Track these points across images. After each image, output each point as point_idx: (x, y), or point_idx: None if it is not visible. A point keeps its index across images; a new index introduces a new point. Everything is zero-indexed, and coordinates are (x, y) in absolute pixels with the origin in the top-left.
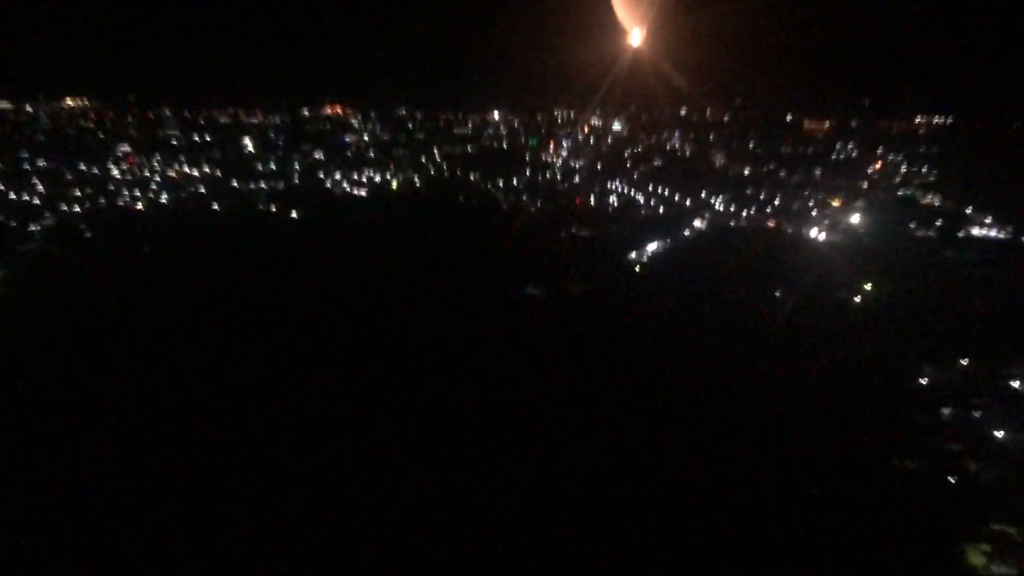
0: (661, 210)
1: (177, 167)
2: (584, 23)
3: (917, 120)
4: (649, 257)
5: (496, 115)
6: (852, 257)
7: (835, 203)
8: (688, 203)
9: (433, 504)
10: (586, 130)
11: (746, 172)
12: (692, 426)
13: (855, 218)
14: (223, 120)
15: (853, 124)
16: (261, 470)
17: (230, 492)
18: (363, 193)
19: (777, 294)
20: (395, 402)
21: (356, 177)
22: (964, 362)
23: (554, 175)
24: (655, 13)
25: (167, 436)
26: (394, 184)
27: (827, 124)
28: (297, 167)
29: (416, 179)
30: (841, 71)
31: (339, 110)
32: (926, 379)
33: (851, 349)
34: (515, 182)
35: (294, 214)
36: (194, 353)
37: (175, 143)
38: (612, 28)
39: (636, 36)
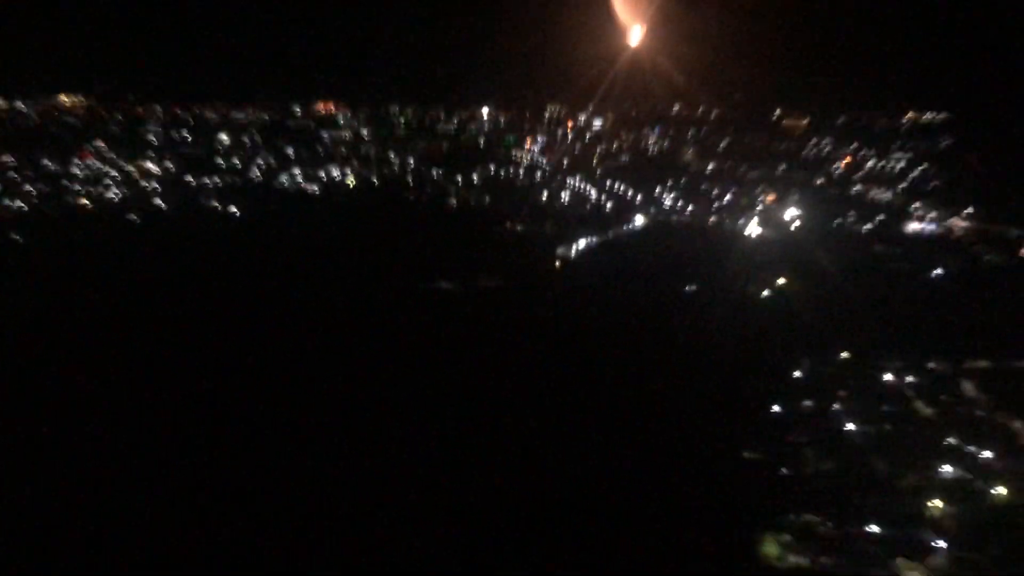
0: (609, 206)
1: (139, 163)
2: (576, 21)
3: (908, 116)
4: (576, 253)
5: (485, 112)
6: (774, 252)
7: (768, 198)
8: (639, 199)
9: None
10: (569, 127)
11: (709, 168)
12: (547, 420)
13: (789, 213)
14: (208, 116)
15: (839, 120)
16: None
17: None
18: (315, 189)
19: (688, 288)
20: (282, 394)
21: (320, 174)
22: (845, 355)
23: (517, 172)
24: (649, 11)
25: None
26: (349, 181)
27: (805, 120)
28: (261, 163)
29: (374, 176)
30: (829, 65)
31: (331, 107)
32: (800, 371)
33: (736, 343)
34: (474, 179)
35: (233, 209)
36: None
37: (150, 138)
38: (605, 25)
39: (633, 33)
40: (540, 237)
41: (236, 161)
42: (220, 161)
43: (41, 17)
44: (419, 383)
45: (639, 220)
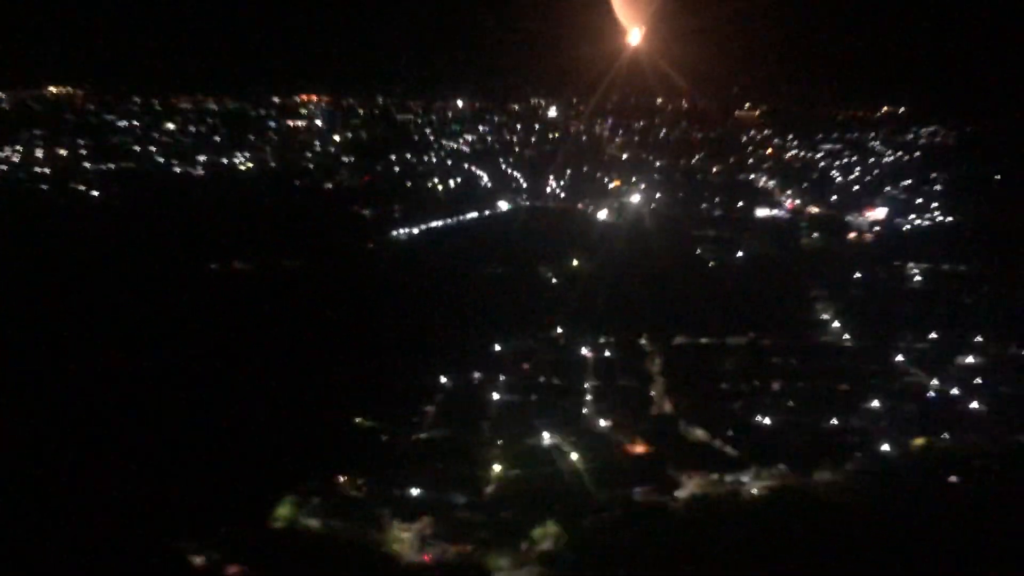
0: (487, 188)
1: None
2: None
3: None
4: (415, 234)
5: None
6: (578, 234)
7: (615, 183)
8: (520, 184)
9: None
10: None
11: (624, 157)
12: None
13: (635, 198)
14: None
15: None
16: None
17: None
18: (200, 173)
19: (493, 271)
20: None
21: (223, 160)
22: (559, 331)
23: (430, 159)
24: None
25: None
26: (243, 166)
27: (757, 112)
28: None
29: (272, 162)
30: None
31: (315, 99)
32: (499, 346)
33: (454, 325)
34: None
35: (94, 192)
36: None
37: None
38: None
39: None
40: (381, 219)
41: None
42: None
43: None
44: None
45: (501, 204)
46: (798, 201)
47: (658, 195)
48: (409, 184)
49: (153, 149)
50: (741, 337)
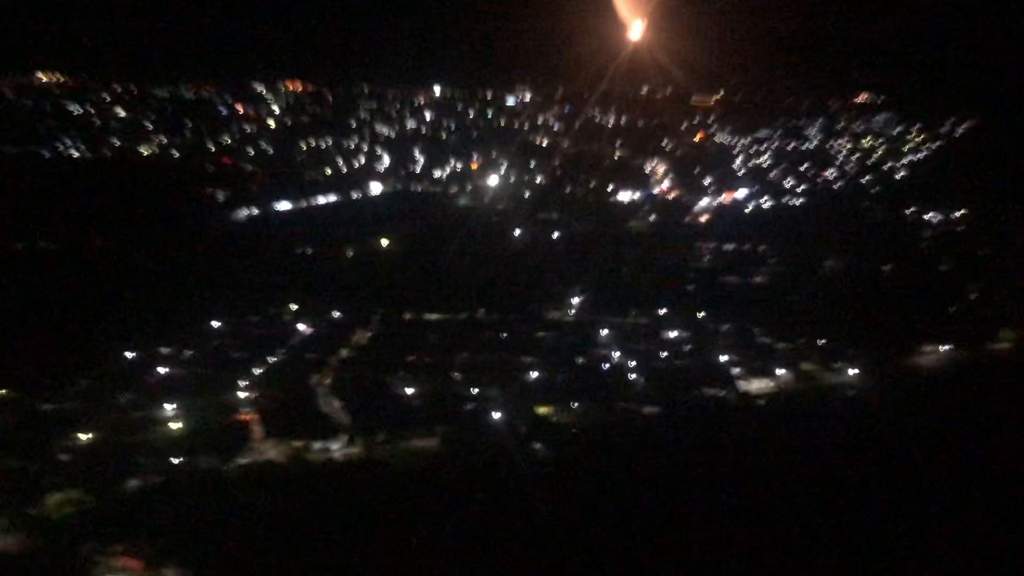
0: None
1: None
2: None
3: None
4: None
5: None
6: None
7: (472, 165)
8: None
9: None
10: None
11: (539, 141)
12: None
13: (492, 179)
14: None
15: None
16: None
17: None
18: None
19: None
20: None
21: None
22: (336, 315)
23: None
24: None
25: None
26: (145, 151)
27: (712, 99)
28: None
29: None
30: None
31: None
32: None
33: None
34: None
35: None
36: None
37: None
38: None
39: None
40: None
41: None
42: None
43: None
44: None
45: (374, 185)
46: (667, 184)
47: (523, 177)
48: (286, 169)
49: None
50: (463, 313)
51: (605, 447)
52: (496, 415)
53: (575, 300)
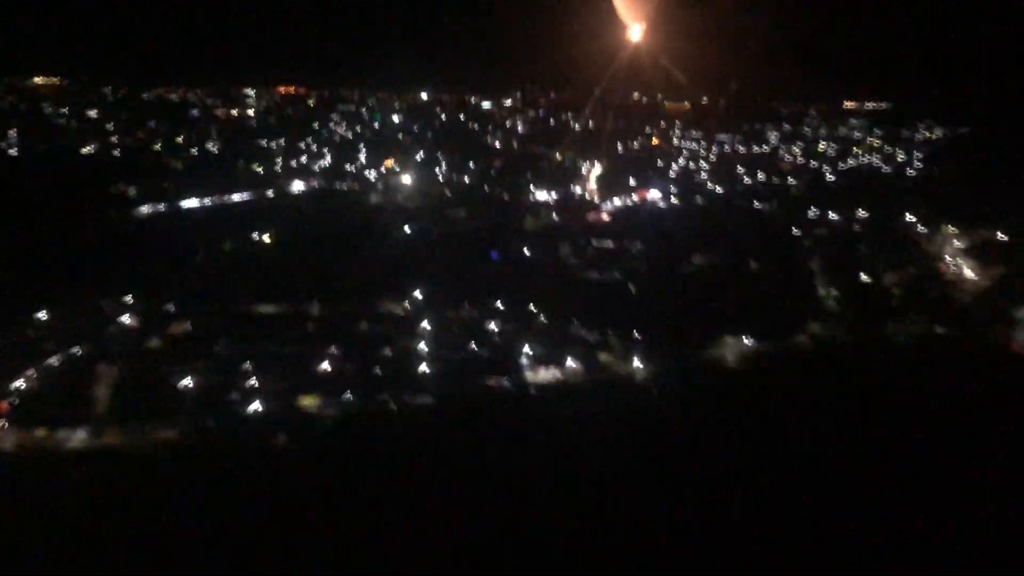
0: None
1: None
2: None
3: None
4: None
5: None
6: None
7: (386, 164)
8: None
9: None
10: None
11: (496, 144)
12: None
13: (405, 178)
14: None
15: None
16: None
17: None
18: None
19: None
20: None
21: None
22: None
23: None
24: None
25: None
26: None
27: (687, 104)
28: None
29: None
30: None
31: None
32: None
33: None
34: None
35: None
36: None
37: None
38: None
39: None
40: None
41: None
42: None
43: None
44: None
45: (296, 185)
46: (592, 185)
47: (438, 177)
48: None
49: None
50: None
51: (357, 436)
52: (254, 407)
53: (417, 295)
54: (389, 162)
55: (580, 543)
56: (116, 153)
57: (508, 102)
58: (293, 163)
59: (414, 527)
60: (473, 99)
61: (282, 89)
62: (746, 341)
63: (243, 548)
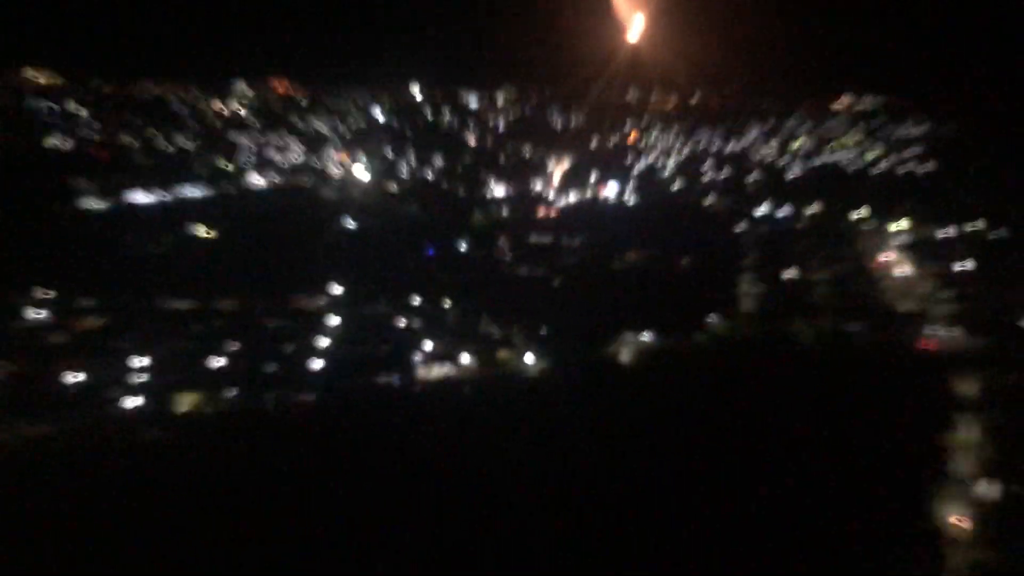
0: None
1: None
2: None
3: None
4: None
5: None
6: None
7: (341, 158)
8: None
9: None
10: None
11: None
12: None
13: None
14: None
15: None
16: None
17: None
18: None
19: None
20: None
21: None
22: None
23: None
24: None
25: None
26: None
27: (670, 103)
28: None
29: None
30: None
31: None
32: None
33: None
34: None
35: None
36: None
37: None
38: None
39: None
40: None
41: None
42: None
43: None
44: None
45: (255, 179)
46: (556, 181)
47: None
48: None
49: None
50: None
51: (231, 433)
52: (133, 402)
53: (336, 291)
54: (343, 156)
55: (439, 533)
56: (70, 146)
57: (500, 99)
58: (259, 159)
59: (275, 525)
60: (464, 96)
61: (278, 86)
62: (644, 337)
63: (105, 545)
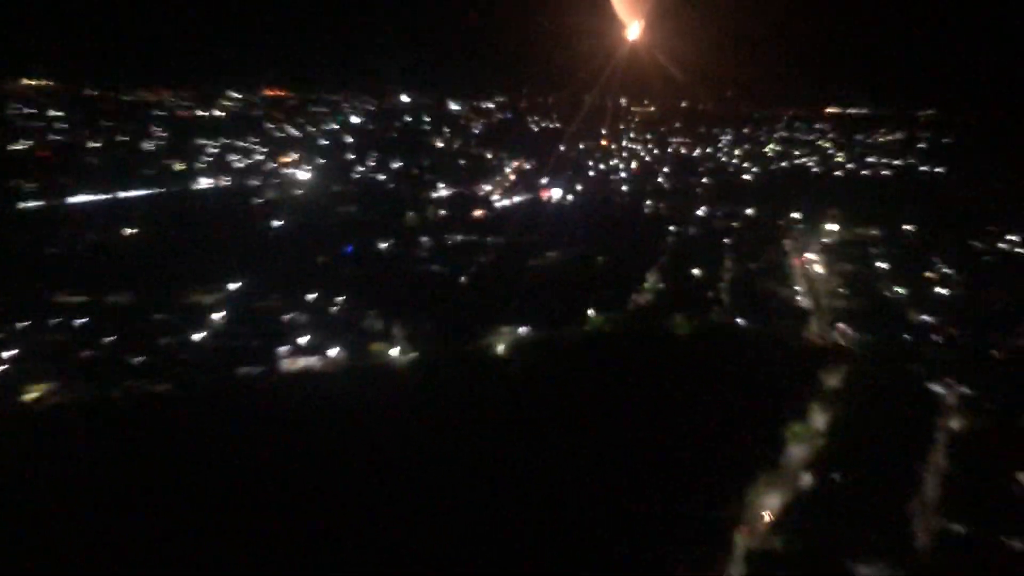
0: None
1: None
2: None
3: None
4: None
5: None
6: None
7: (282, 160)
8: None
9: None
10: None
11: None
12: None
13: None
14: None
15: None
16: None
17: None
18: None
19: None
20: None
21: None
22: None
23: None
24: None
25: None
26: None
27: (652, 108)
28: None
29: None
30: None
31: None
32: None
33: None
34: None
35: None
36: None
37: None
38: None
39: None
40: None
41: None
42: None
43: None
44: None
45: (202, 182)
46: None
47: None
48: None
49: None
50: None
51: (72, 424)
52: None
53: (235, 286)
54: (286, 158)
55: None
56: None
57: (488, 105)
58: (214, 160)
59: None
60: (448, 101)
61: (268, 92)
62: (520, 331)
63: None
